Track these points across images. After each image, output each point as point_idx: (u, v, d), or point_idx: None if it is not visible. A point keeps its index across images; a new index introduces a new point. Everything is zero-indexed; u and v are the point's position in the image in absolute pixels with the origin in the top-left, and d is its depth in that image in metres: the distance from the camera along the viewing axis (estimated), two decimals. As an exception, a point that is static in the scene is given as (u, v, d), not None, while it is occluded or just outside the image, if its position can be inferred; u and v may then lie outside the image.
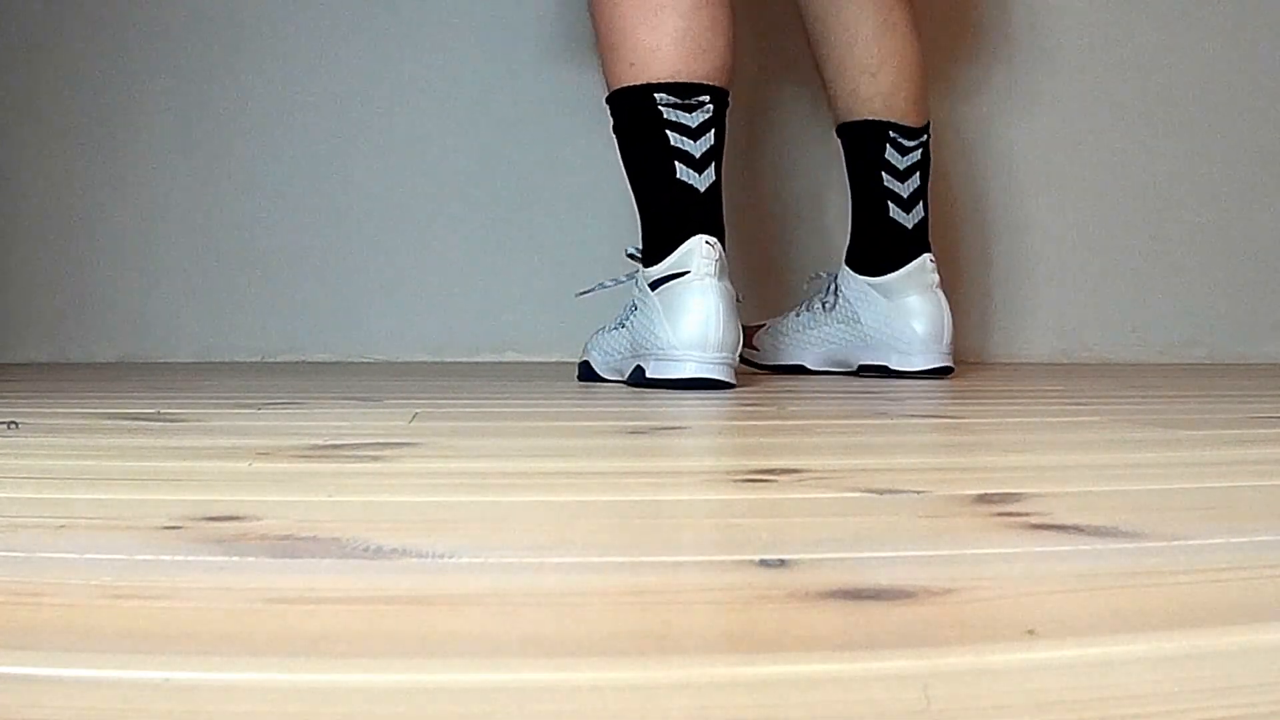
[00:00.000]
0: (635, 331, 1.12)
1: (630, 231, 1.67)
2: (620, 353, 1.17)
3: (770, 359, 1.39)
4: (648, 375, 1.09)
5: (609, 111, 1.16)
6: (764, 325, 1.40)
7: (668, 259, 1.09)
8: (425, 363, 1.60)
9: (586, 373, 1.24)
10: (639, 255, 1.15)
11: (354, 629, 0.27)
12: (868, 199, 1.30)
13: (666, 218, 1.10)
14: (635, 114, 1.12)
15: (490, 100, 1.65)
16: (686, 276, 1.07)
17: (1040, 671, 0.24)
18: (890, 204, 1.30)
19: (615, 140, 1.16)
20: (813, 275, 1.42)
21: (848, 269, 1.34)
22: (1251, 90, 1.70)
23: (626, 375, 1.14)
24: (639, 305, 1.12)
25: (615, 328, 1.19)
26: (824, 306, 1.34)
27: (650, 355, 1.09)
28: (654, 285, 1.09)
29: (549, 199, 1.66)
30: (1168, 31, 1.69)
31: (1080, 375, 1.36)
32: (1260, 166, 1.71)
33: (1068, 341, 1.69)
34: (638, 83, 1.11)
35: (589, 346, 1.25)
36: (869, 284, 1.30)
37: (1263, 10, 1.69)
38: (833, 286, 1.35)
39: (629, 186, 1.16)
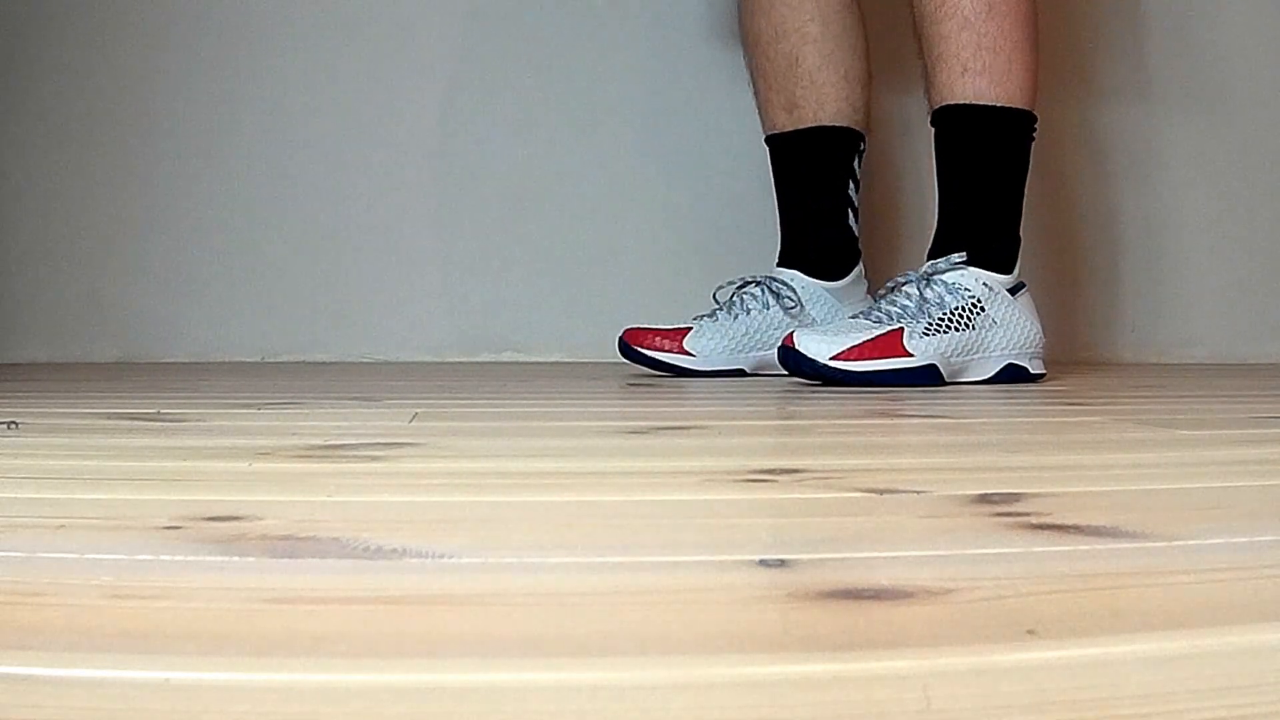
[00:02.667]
0: (992, 332, 1.19)
1: (626, 231, 1.67)
2: (964, 351, 1.18)
3: (708, 364, 1.32)
4: (1033, 372, 1.22)
5: (1019, 123, 1.20)
6: (688, 329, 1.33)
7: (1016, 268, 1.21)
8: (425, 363, 1.60)
9: (915, 377, 1.15)
10: (963, 263, 1.19)
11: (354, 629, 0.27)
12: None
13: (1017, 231, 1.22)
14: (1030, 133, 1.22)
15: (491, 101, 1.65)
16: (1024, 285, 1.23)
17: (1040, 671, 0.24)
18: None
19: (1007, 152, 1.21)
20: (748, 280, 1.36)
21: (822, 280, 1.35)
22: (1262, 83, 1.70)
23: (991, 374, 1.19)
24: (985, 307, 1.18)
25: (946, 330, 1.16)
26: (785, 309, 1.33)
27: (1028, 354, 1.22)
28: (1012, 291, 1.21)
29: (549, 199, 1.66)
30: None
31: (1080, 375, 1.36)
32: (1259, 166, 1.71)
33: (1068, 341, 1.69)
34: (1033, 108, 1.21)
35: (918, 348, 1.15)
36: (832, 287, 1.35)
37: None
38: (788, 290, 1.34)
39: (993, 198, 1.21)
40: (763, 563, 0.33)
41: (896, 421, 0.77)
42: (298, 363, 1.60)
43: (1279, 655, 0.26)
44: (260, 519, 0.39)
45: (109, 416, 0.79)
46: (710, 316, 1.34)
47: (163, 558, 0.34)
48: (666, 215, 1.66)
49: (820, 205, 1.36)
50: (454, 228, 1.66)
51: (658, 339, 1.32)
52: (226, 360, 1.61)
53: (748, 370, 1.33)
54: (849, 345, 1.12)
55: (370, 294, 1.65)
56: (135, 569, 0.32)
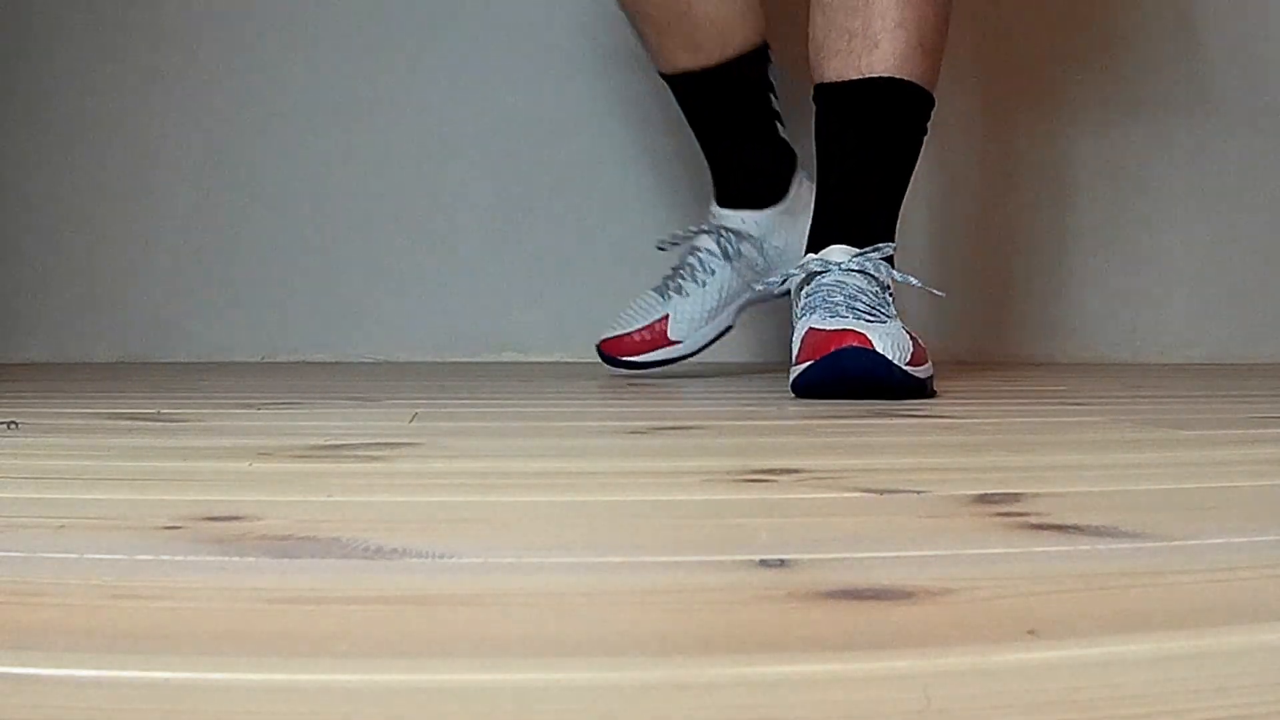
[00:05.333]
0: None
1: (625, 231, 1.67)
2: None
3: (696, 343, 1.26)
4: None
5: (931, 106, 1.11)
6: (664, 319, 1.25)
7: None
8: (425, 363, 1.60)
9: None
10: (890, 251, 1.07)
11: (354, 629, 0.27)
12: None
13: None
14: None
15: (491, 101, 1.65)
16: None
17: (1040, 671, 0.24)
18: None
19: (908, 129, 1.11)
20: (694, 230, 1.27)
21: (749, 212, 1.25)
22: (1250, 90, 1.70)
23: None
24: (893, 293, 1.03)
25: (894, 319, 1.02)
26: (745, 257, 1.24)
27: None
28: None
29: (549, 200, 1.66)
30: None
31: (1080, 375, 1.36)
32: (1258, 166, 1.71)
33: (1069, 341, 1.69)
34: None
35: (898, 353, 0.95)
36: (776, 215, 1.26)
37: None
38: (739, 238, 1.25)
39: (900, 178, 1.11)
40: (763, 563, 0.33)
41: (896, 421, 0.77)
42: (298, 363, 1.60)
43: (1279, 655, 0.26)
44: (260, 519, 0.39)
45: (109, 416, 0.79)
46: (674, 290, 1.25)
47: (163, 558, 0.34)
48: (666, 215, 1.66)
49: (748, 130, 1.26)
50: (454, 228, 1.66)
51: (636, 338, 1.26)
52: (226, 360, 1.61)
53: (733, 324, 1.28)
54: (912, 349, 0.94)
55: (370, 294, 1.65)
56: (135, 569, 0.32)
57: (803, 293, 1.05)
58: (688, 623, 0.27)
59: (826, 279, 1.02)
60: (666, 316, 1.26)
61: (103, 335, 1.63)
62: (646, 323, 1.26)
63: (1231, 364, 1.64)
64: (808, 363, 0.94)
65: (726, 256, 1.25)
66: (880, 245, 1.04)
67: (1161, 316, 1.70)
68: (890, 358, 0.89)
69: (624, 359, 1.26)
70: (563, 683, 0.23)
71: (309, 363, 1.60)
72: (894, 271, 1.04)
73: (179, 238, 1.63)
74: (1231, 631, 0.26)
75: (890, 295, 1.03)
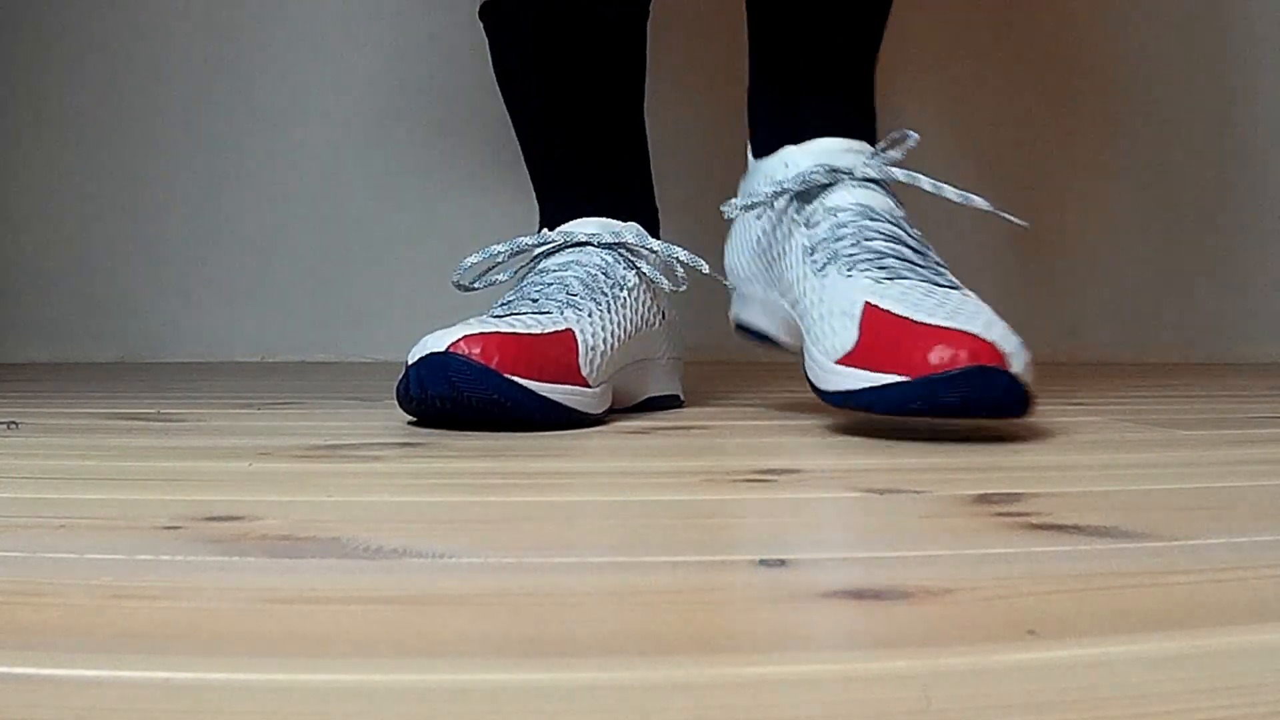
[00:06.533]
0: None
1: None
2: None
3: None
4: None
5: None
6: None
7: None
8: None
9: None
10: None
11: (354, 629, 0.27)
12: None
13: None
14: None
15: (492, 102, 1.65)
16: None
17: (1040, 671, 0.24)
18: None
19: None
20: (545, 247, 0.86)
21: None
22: (1245, 85, 1.70)
23: None
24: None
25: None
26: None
27: None
28: None
29: (549, 199, 1.66)
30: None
31: (1080, 375, 1.36)
32: (1260, 165, 1.71)
33: (1069, 341, 1.69)
34: None
35: None
36: None
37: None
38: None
39: (880, 35, 0.88)
40: (763, 563, 0.33)
41: (896, 421, 0.77)
42: (298, 363, 1.60)
43: (1279, 655, 0.26)
44: (260, 519, 0.39)
45: (109, 416, 0.79)
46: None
47: (163, 558, 0.34)
48: (664, 213, 1.66)
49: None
50: (453, 227, 1.66)
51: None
52: (226, 360, 1.61)
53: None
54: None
55: (370, 294, 1.65)
56: (135, 569, 0.32)
57: (802, 224, 0.72)
58: (688, 623, 0.27)
59: (840, 199, 0.69)
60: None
61: (103, 335, 1.63)
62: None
63: (1231, 364, 1.64)
64: (891, 377, 0.61)
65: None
66: (897, 137, 0.71)
67: (1160, 316, 1.70)
68: (1028, 382, 0.60)
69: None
70: (563, 683, 0.23)
71: (309, 363, 1.60)
72: (941, 184, 0.69)
73: (179, 237, 1.63)
74: (1231, 631, 0.26)
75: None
